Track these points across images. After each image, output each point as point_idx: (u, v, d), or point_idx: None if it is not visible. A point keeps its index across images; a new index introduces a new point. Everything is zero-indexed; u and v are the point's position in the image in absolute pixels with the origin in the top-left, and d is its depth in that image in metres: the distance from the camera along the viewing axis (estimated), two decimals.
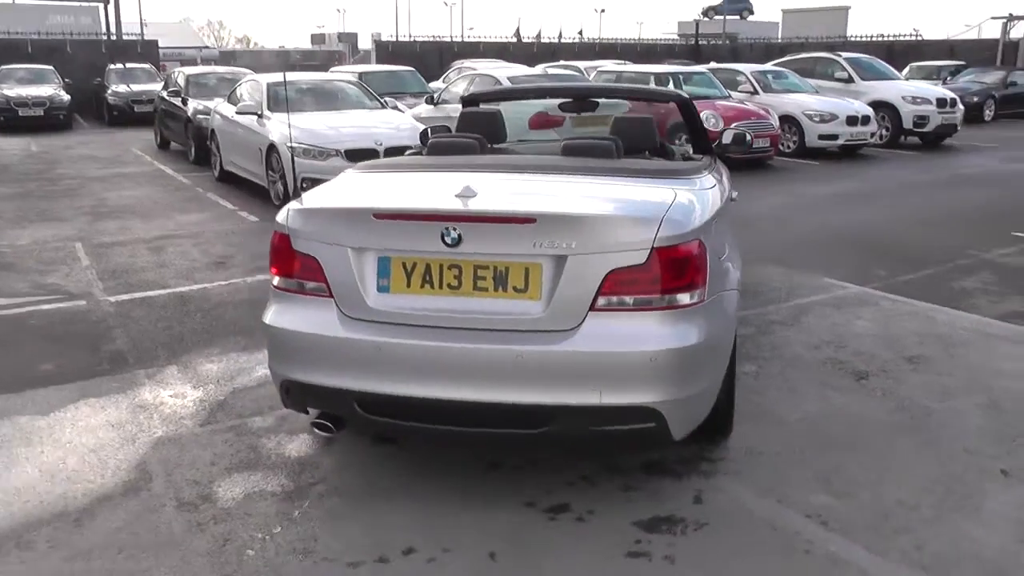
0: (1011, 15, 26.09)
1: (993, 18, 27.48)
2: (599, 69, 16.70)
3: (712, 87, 14.18)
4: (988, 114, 20.12)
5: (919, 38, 30.21)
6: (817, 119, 13.93)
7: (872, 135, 14.34)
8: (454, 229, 2.82)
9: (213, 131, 11.19)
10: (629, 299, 2.83)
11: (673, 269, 2.84)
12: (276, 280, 3.17)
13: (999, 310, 5.53)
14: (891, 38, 30.34)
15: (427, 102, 12.20)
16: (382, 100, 10.71)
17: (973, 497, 3.21)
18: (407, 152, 5.11)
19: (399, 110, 11.05)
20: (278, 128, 9.15)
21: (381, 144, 8.89)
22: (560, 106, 5.34)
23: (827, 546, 2.89)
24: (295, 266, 3.07)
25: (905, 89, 16.04)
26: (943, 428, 3.79)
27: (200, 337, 5.08)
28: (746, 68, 16.05)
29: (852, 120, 13.96)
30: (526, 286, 2.85)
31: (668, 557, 2.82)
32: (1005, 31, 26.62)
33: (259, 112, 9.64)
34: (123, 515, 3.12)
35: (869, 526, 3.01)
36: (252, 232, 8.11)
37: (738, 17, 55.94)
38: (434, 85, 17.00)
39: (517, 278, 2.85)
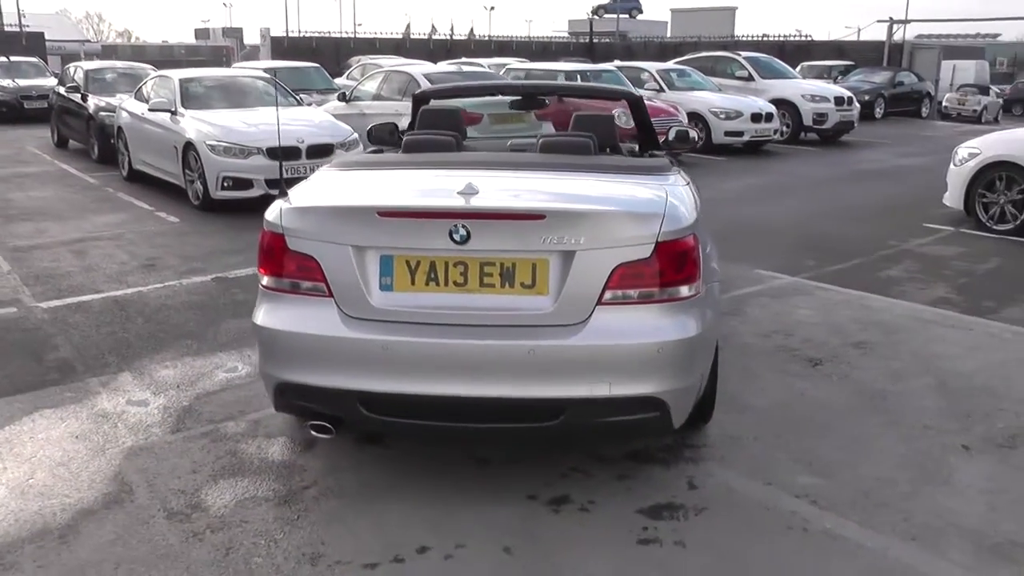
0: (891, 19, 27.66)
1: (879, 21, 29.08)
2: (507, 67, 16.80)
3: (621, 85, 14.48)
4: (879, 112, 21.27)
5: (808, 39, 31.63)
6: (723, 116, 14.42)
7: (775, 132, 14.95)
8: (463, 226, 2.81)
9: (120, 129, 10.70)
10: (634, 293, 2.90)
11: (675, 263, 2.92)
12: (266, 280, 3.09)
13: (928, 297, 5.88)
14: (781, 38, 31.66)
15: (339, 99, 12.00)
16: (296, 97, 10.47)
17: (942, 471, 3.42)
18: (367, 150, 5.02)
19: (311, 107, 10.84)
20: (195, 126, 8.84)
21: (303, 142, 8.71)
22: (512, 104, 5.35)
23: (822, 523, 3.03)
24: (290, 266, 3.00)
25: (804, 87, 16.78)
26: (901, 409, 4.01)
27: (148, 343, 4.88)
28: (651, 66, 16.47)
29: (756, 117, 14.52)
30: (534, 282, 2.87)
31: (678, 542, 2.91)
32: (890, 34, 28.21)
33: (172, 109, 9.28)
34: (111, 528, 2.98)
35: (855, 503, 3.17)
36: (176, 233, 7.82)
37: (627, 16, 57.20)
38: (339, 82, 16.74)
39: (524, 274, 2.87)
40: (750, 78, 17.31)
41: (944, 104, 24.57)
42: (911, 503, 3.18)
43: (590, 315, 2.87)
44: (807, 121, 16.07)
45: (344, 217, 2.96)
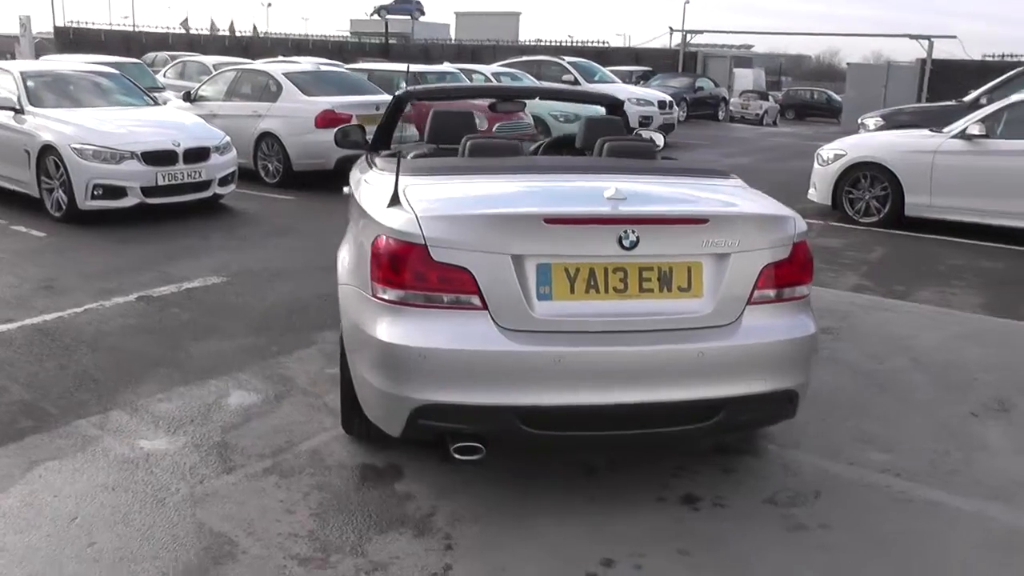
0: (675, 29, 29.85)
1: (673, 30, 31.18)
2: (352, 67, 16.32)
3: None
4: (681, 115, 22.83)
5: (606, 45, 33.31)
6: (563, 119, 14.88)
7: None
8: (632, 232, 2.78)
9: None
10: (772, 292, 3.01)
11: (802, 262, 3.08)
12: (393, 294, 2.86)
13: (846, 284, 6.48)
14: (580, 43, 33.13)
15: (185, 99, 11.15)
16: (151, 96, 9.61)
17: (974, 437, 3.83)
18: (410, 155, 4.62)
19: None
20: (51, 126, 7.86)
21: (179, 145, 8.05)
22: (490, 106, 5.28)
23: (916, 493, 3.30)
24: (431, 278, 2.80)
25: (630, 91, 17.67)
26: (898, 386, 4.42)
27: (116, 375, 4.32)
28: (485, 69, 16.68)
29: None
30: (689, 285, 2.90)
31: (823, 525, 3.05)
32: (684, 42, 30.38)
33: (17, 107, 8.19)
34: None
35: (930, 473, 3.48)
36: (52, 250, 6.92)
37: (409, 17, 57.32)
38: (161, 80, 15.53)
39: (681, 278, 2.89)
40: (576, 82, 17.99)
41: (730, 108, 26.88)
42: (973, 468, 3.53)
43: (741, 315, 2.95)
44: (633, 123, 16.91)
45: (505, 225, 2.81)
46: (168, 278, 6.11)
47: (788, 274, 3.02)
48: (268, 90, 10.37)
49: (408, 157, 4.44)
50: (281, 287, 6.01)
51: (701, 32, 31.28)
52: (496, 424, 2.85)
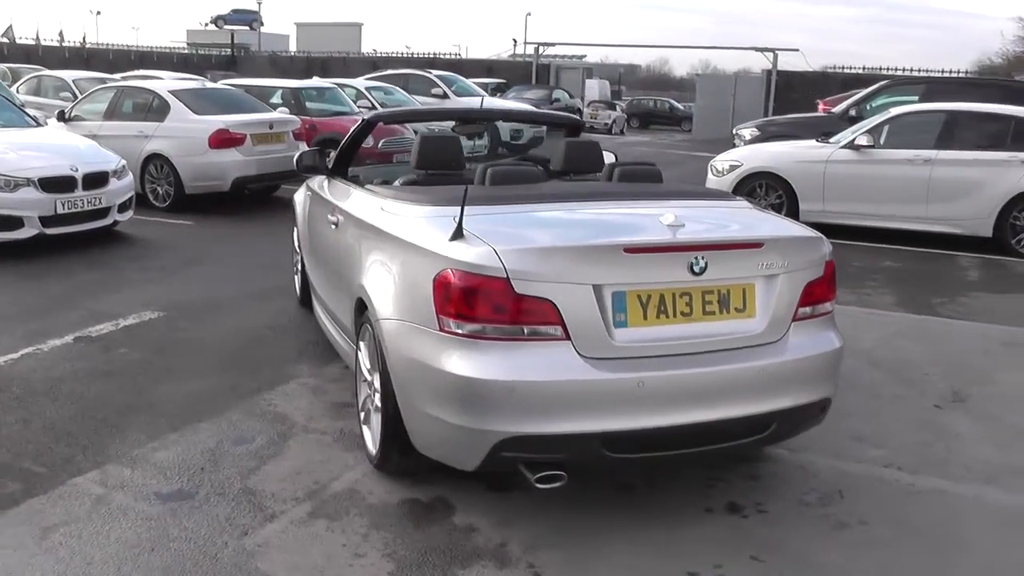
0: (529, 42, 30.50)
1: (527, 43, 31.96)
2: (230, 83, 15.64)
3: (343, 104, 14.29)
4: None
5: (459, 56, 33.54)
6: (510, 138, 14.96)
7: None
8: (702, 258, 2.92)
9: None
10: (808, 309, 3.23)
11: (831, 279, 3.33)
12: (472, 328, 2.86)
13: None
14: (432, 55, 33.19)
15: (59, 118, 10.38)
16: (31, 116, 8.91)
17: (946, 429, 4.22)
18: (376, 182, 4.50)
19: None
20: None
21: (78, 170, 7.53)
22: (454, 128, 5.27)
23: (922, 484, 3.62)
24: (512, 310, 2.83)
25: (498, 105, 17.89)
26: (862, 384, 4.79)
27: (91, 425, 4.02)
28: (358, 84, 16.45)
29: None
30: (744, 305, 3.07)
31: (862, 522, 3.29)
32: (537, 54, 31.06)
33: None
34: None
35: (923, 463, 3.82)
36: None
37: (248, 28, 55.61)
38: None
39: (737, 299, 3.06)
40: (444, 95, 18.09)
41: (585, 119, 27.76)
42: (956, 456, 3.90)
43: (787, 332, 3.15)
44: (504, 137, 17.19)
45: (588, 256, 2.88)
46: (98, 316, 5.70)
47: (821, 291, 3.25)
48: (153, 109, 9.82)
49: (397, 184, 4.40)
50: (224, 320, 5.75)
51: (553, 44, 32.21)
52: (579, 451, 2.90)
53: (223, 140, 9.57)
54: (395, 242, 3.38)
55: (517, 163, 4.11)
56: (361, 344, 3.72)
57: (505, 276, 2.82)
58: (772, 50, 27.10)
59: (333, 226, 4.40)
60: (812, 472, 3.71)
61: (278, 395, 4.47)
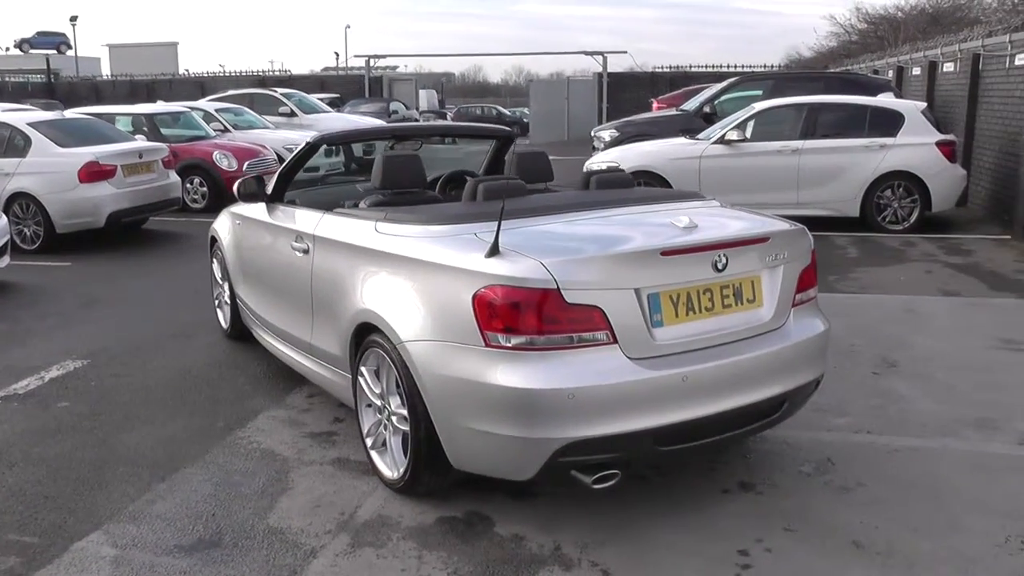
0: (359, 55, 30.23)
1: (356, 56, 31.66)
2: (88, 112, 14.58)
3: (199, 128, 13.73)
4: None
5: (289, 73, 32.73)
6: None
7: None
8: (724, 256, 3.13)
9: None
10: (800, 295, 3.52)
11: (815, 267, 3.64)
12: (521, 340, 2.93)
13: None
14: (260, 73, 32.25)
15: None
16: None
17: (890, 391, 4.66)
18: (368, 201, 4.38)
19: None
20: None
21: None
22: (391, 147, 5.25)
23: (895, 444, 4.00)
24: (562, 319, 2.93)
25: (351, 120, 17.74)
26: None
27: (67, 486, 3.76)
28: (207, 106, 15.83)
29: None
30: (754, 296, 3.31)
31: (860, 484, 3.62)
32: (368, 68, 30.78)
33: None
34: None
35: (886, 425, 4.21)
36: None
37: (55, 51, 52.00)
38: None
39: (747, 291, 3.30)
40: (293, 114, 17.70)
41: None
42: (911, 415, 4.34)
43: (789, 317, 3.42)
44: (358, 153, 17.03)
45: (631, 262, 3.01)
46: (16, 372, 5.28)
47: (810, 278, 3.56)
48: (13, 144, 9.07)
49: (363, 205, 4.37)
50: (155, 362, 5.47)
51: (384, 56, 32.15)
52: (633, 448, 3.04)
53: (94, 173, 9.00)
54: (410, 263, 3.38)
55: (506, 178, 4.18)
56: (363, 369, 3.69)
57: (556, 287, 2.91)
58: (602, 53, 28.22)
59: (300, 253, 4.32)
60: (796, 446, 4.02)
61: (253, 431, 4.34)
